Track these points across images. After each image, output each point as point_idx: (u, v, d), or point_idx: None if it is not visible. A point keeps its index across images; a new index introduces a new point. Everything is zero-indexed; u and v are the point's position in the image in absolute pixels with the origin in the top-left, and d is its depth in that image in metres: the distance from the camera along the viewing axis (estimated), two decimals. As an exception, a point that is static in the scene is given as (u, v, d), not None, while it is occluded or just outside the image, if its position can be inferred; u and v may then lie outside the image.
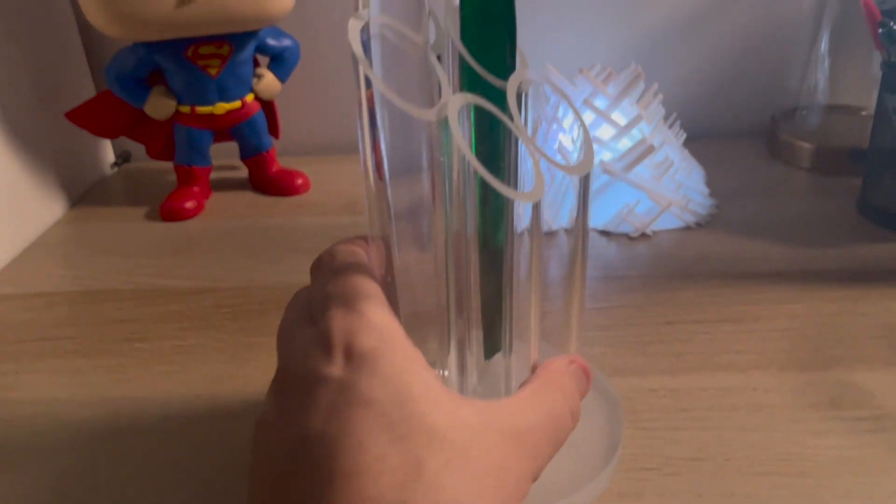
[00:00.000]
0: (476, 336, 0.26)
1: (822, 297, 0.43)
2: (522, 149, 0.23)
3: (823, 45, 0.64)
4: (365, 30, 0.21)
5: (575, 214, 0.23)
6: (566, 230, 0.24)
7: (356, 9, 0.22)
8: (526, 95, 0.22)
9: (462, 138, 0.20)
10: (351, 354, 0.21)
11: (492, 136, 0.23)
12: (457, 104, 0.21)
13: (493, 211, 0.24)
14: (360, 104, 0.22)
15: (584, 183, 0.22)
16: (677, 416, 0.34)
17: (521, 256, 0.24)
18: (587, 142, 0.21)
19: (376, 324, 0.21)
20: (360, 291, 0.22)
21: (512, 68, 0.23)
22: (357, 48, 0.20)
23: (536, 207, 0.22)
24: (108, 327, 0.44)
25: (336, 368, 0.20)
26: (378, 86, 0.21)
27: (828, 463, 0.31)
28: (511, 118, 0.22)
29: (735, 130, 0.69)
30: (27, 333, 0.43)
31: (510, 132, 0.22)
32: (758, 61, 0.67)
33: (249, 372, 0.39)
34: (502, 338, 0.26)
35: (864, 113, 0.65)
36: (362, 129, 0.23)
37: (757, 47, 0.66)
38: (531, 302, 0.24)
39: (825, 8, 0.63)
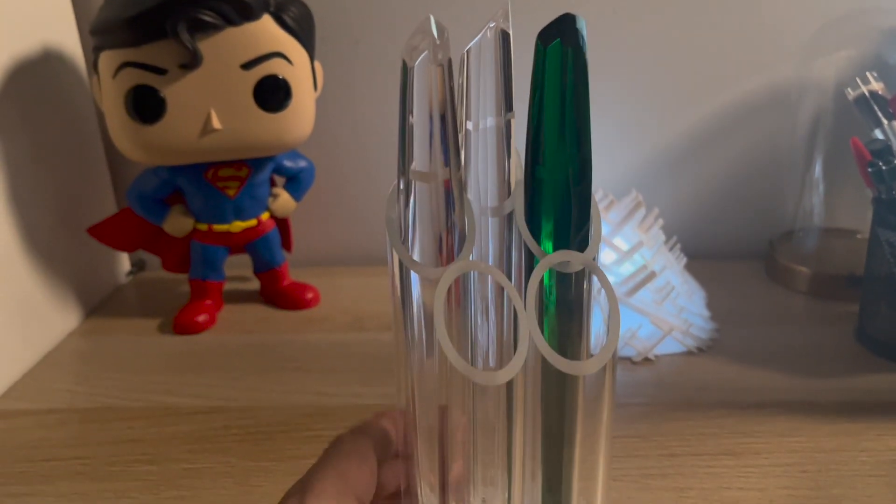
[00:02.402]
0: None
1: (822, 430, 0.43)
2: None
3: (817, 171, 0.67)
4: None
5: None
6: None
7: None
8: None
9: (440, 314, 0.21)
10: None
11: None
12: (452, 274, 0.22)
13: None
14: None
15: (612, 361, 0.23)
16: (680, 558, 0.34)
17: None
18: (614, 316, 0.22)
19: None
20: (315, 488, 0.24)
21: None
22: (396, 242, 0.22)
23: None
24: (117, 447, 0.44)
25: None
26: (398, 250, 0.23)
27: None
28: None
29: (734, 252, 0.70)
30: (38, 453, 0.44)
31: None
32: (754, 186, 0.69)
33: (256, 499, 0.39)
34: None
35: (859, 236, 0.67)
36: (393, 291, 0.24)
37: (753, 172, 0.69)
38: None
39: (817, 135, 0.66)
